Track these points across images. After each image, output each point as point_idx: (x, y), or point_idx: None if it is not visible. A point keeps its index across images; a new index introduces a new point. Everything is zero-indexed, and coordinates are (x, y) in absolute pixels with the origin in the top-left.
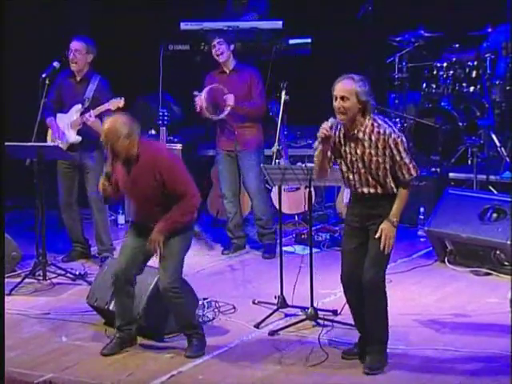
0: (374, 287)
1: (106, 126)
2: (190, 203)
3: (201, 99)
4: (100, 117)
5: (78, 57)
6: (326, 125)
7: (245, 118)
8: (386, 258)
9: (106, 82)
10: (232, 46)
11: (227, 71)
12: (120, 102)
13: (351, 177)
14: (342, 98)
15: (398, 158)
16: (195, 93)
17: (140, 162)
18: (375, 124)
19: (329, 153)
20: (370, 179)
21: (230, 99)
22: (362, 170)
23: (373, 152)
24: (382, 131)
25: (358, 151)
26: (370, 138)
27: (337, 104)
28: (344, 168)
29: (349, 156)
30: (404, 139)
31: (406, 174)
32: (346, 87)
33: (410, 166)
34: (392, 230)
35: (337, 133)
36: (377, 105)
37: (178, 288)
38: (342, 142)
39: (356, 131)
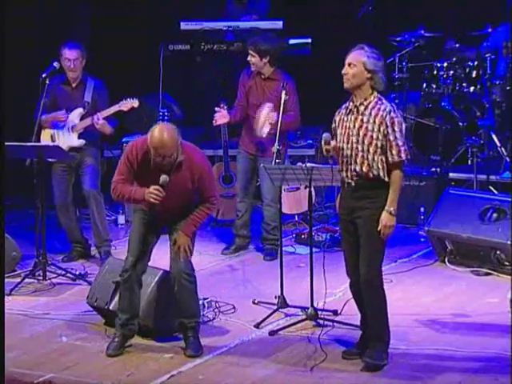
0: (369, 284)
1: (164, 136)
2: (214, 205)
3: (223, 116)
4: (106, 118)
5: (78, 65)
6: (324, 145)
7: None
8: (379, 253)
9: (102, 84)
10: (267, 58)
11: (263, 76)
12: (135, 103)
13: (345, 152)
14: (349, 64)
15: (391, 138)
16: (216, 109)
17: (182, 168)
18: (379, 102)
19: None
20: (360, 155)
21: (273, 118)
22: (355, 145)
23: (369, 127)
24: (382, 108)
25: (356, 124)
26: (370, 113)
27: (344, 70)
28: (342, 143)
29: (348, 130)
30: (402, 122)
31: (395, 156)
32: (354, 55)
33: (402, 148)
34: (391, 219)
35: (346, 104)
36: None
37: (192, 271)
38: (346, 114)
39: (359, 103)
